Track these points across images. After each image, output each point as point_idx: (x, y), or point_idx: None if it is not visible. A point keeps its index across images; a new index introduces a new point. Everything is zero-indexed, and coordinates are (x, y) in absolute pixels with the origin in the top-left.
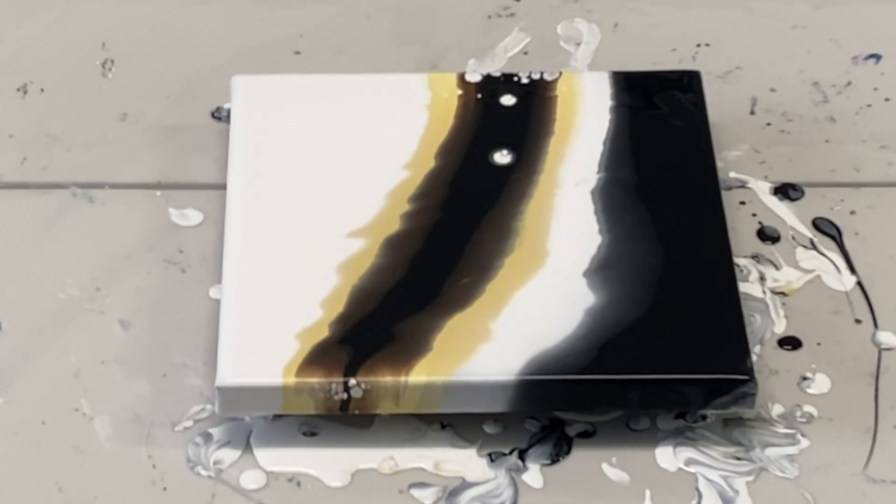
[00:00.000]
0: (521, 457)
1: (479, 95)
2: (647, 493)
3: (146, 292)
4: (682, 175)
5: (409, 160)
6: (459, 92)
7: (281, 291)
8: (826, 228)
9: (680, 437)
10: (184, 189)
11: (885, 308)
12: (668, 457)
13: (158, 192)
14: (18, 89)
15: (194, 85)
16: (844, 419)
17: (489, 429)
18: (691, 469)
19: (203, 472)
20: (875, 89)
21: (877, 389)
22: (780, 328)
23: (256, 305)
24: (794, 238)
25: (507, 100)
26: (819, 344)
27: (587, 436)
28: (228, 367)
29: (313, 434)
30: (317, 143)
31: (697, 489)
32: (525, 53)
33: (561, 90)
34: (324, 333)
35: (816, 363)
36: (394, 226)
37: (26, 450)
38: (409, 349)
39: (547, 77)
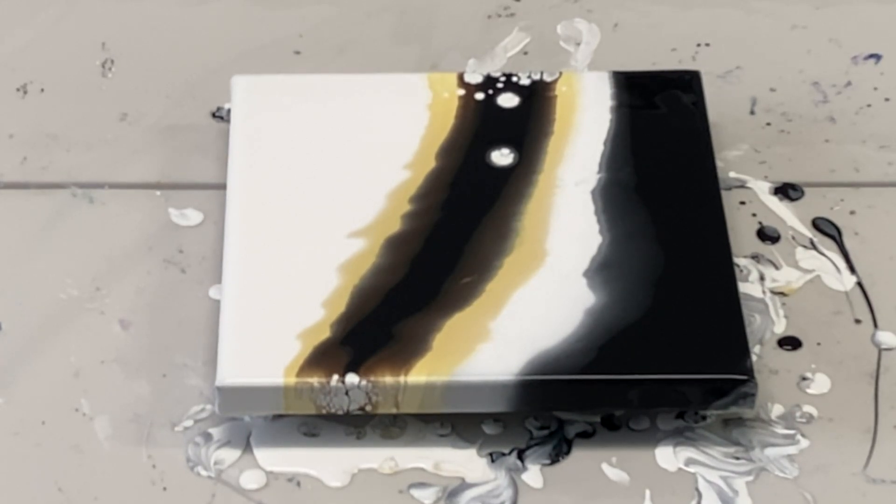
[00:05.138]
0: (521, 457)
1: (480, 95)
2: (647, 493)
3: (146, 292)
4: (682, 175)
5: (409, 160)
6: (460, 92)
7: (281, 292)
8: (826, 228)
9: (680, 437)
10: (184, 189)
11: (885, 308)
12: (667, 457)
13: (158, 192)
14: (18, 89)
15: (194, 85)
16: (844, 419)
17: (489, 429)
18: (691, 469)
19: (203, 472)
20: (875, 89)
21: (877, 389)
22: (780, 328)
23: (256, 305)
24: (793, 238)
25: (508, 100)
26: (819, 344)
27: (587, 436)
28: (228, 367)
29: (313, 434)
30: (317, 143)
31: (697, 489)
32: (525, 53)
33: (561, 90)
34: (325, 334)
35: (816, 363)
36: (394, 226)
37: (26, 450)
38: (409, 349)
39: (547, 77)
